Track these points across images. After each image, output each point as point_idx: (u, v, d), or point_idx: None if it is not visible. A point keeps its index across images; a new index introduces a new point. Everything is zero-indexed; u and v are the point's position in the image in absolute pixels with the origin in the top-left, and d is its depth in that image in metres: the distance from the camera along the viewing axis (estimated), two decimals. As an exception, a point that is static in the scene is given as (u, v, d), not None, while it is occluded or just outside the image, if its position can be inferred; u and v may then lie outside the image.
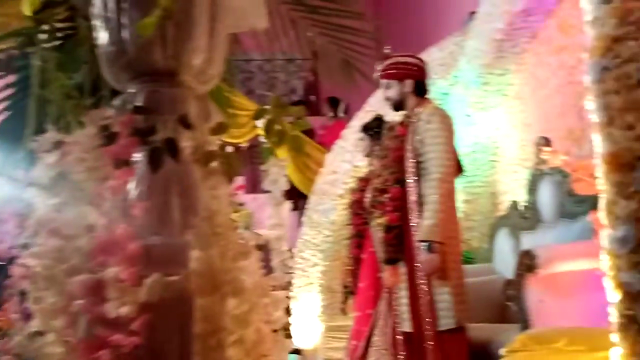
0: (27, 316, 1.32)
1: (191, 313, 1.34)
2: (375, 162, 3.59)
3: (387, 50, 3.18)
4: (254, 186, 6.38)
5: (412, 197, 2.93)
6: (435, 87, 4.36)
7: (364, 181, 3.72)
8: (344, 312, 4.85)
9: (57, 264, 1.29)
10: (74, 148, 1.30)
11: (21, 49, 1.65)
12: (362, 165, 4.75)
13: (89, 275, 1.27)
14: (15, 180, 1.35)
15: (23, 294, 1.31)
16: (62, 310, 1.30)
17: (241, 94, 6.61)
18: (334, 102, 7.20)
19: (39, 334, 1.30)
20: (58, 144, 1.33)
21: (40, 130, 1.41)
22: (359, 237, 3.63)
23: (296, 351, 4.80)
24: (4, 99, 1.73)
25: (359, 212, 3.64)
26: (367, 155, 3.82)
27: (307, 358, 4.92)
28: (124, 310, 1.24)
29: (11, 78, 1.73)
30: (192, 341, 1.32)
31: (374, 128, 3.69)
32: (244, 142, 6.07)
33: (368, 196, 3.50)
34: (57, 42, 1.58)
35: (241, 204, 3.79)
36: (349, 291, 3.79)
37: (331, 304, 4.95)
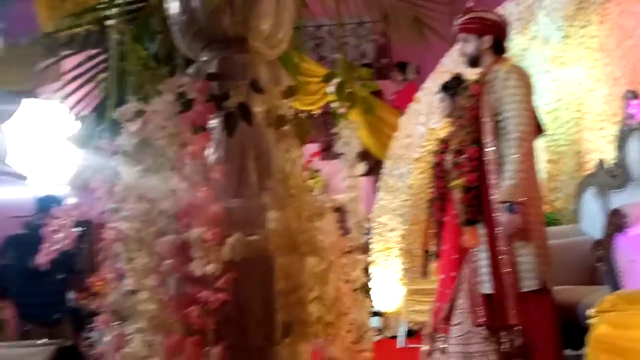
0: (120, 276, 1.40)
1: (272, 271, 1.38)
2: (454, 123, 3.50)
3: (469, 4, 3.08)
4: (328, 152, 6.43)
5: (490, 157, 2.86)
6: (513, 44, 4.19)
7: (444, 143, 3.63)
8: (424, 275, 4.84)
9: (146, 227, 1.36)
10: (154, 116, 1.35)
11: (99, 24, 1.73)
12: (437, 127, 4.66)
13: (176, 236, 1.33)
14: (101, 149, 1.42)
15: (116, 256, 1.39)
16: (152, 270, 1.36)
17: (312, 60, 6.61)
18: (401, 66, 7.15)
19: (133, 292, 1.37)
20: (139, 113, 1.39)
21: (121, 100, 1.47)
22: (442, 200, 3.57)
23: (378, 314, 4.84)
24: (87, 73, 1.81)
25: (440, 175, 3.57)
26: (448, 116, 3.72)
27: (389, 320, 4.96)
28: (210, 268, 1.30)
29: (91, 53, 1.81)
30: (274, 297, 1.37)
31: (454, 87, 3.59)
32: (316, 109, 6.09)
33: (448, 158, 3.43)
34: (131, 15, 1.65)
35: (317, 171, 3.80)
36: (433, 254, 3.75)
37: (412, 268, 4.95)
